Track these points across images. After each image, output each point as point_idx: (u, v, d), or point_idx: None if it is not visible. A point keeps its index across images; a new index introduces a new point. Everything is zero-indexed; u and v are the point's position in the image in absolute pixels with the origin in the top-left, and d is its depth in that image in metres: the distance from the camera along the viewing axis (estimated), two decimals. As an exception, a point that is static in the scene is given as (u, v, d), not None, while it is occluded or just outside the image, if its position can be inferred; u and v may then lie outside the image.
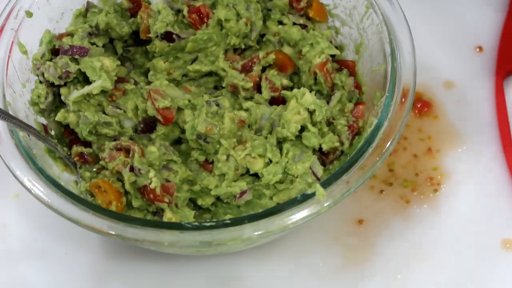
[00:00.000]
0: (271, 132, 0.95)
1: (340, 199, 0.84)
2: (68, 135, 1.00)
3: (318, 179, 0.92)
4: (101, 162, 0.94)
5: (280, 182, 0.92)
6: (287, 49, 1.03)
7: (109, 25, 0.99)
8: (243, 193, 0.93)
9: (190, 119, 0.94)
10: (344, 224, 1.04)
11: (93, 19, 0.99)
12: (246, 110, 0.97)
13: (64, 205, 0.85)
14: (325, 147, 0.93)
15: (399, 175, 1.08)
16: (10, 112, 0.93)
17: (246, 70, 1.01)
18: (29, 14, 0.98)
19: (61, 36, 0.99)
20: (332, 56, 1.01)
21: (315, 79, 0.99)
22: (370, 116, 0.93)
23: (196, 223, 0.83)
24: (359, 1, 1.00)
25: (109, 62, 0.94)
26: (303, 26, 1.03)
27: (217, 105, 0.95)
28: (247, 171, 0.94)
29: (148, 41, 1.00)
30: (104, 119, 0.93)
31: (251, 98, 1.01)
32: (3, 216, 1.07)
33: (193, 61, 1.00)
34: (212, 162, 0.96)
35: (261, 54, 1.02)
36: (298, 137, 0.94)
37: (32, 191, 0.86)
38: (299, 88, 0.96)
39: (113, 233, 0.83)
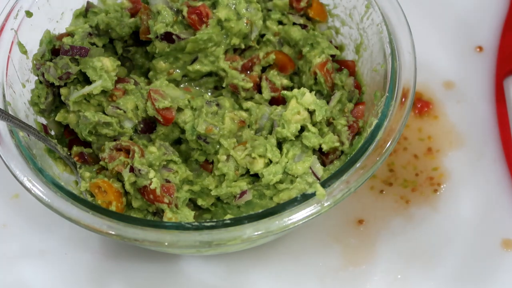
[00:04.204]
0: (271, 132, 0.95)
1: (340, 199, 0.84)
2: (68, 135, 1.00)
3: (318, 179, 0.92)
4: (101, 163, 0.94)
5: (280, 182, 0.92)
6: (287, 49, 1.03)
7: (109, 25, 0.99)
8: (243, 193, 0.93)
9: (190, 119, 0.94)
10: (344, 224, 1.04)
11: (93, 19, 0.99)
12: (246, 110, 0.97)
13: (64, 205, 0.85)
14: (325, 147, 0.93)
15: (399, 175, 1.08)
16: (10, 112, 0.93)
17: (246, 70, 1.01)
18: (29, 14, 0.98)
19: (61, 36, 0.99)
20: (332, 56, 1.01)
21: (315, 79, 0.99)
22: (370, 116, 0.93)
23: (196, 223, 0.83)
24: (359, 1, 1.00)
25: (109, 62, 0.94)
26: (303, 26, 1.03)
27: (217, 105, 0.95)
28: (247, 171, 0.94)
29: (148, 41, 1.00)
30: (104, 119, 0.93)
31: (251, 98, 1.01)
32: (3, 216, 1.07)
33: (193, 61, 1.00)
34: (212, 162, 0.96)
35: (261, 54, 1.02)
36: (298, 137, 0.94)
37: (32, 191, 0.86)
38: (299, 88, 0.96)
39: (113, 233, 0.83)
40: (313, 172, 0.92)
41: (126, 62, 1.04)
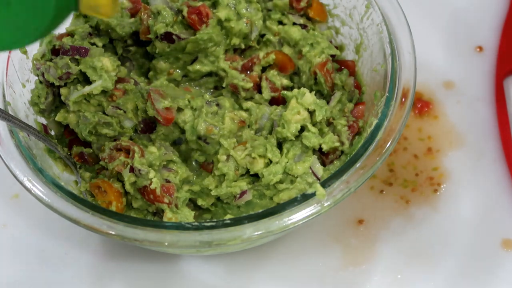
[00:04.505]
0: (271, 132, 0.95)
1: (340, 199, 0.84)
2: (68, 135, 1.00)
3: (318, 179, 0.92)
4: (101, 163, 0.94)
5: (280, 182, 0.92)
6: (287, 49, 1.03)
7: (109, 25, 0.98)
8: (243, 193, 0.93)
9: (190, 119, 0.94)
10: (344, 224, 1.04)
11: (93, 19, 0.99)
12: (246, 110, 0.97)
13: (64, 205, 0.85)
14: (325, 147, 0.93)
15: (399, 175, 1.08)
16: (10, 112, 0.93)
17: (246, 70, 1.01)
18: (29, 14, 0.98)
19: (61, 36, 0.99)
20: (332, 56, 1.01)
21: (315, 79, 0.99)
22: (370, 116, 0.93)
23: (196, 223, 0.83)
24: (359, 1, 1.00)
25: (109, 62, 0.94)
26: (303, 26, 1.03)
27: (217, 105, 0.94)
28: (247, 171, 0.94)
29: (148, 41, 1.00)
30: (104, 119, 0.93)
31: (251, 98, 1.01)
32: (3, 216, 1.07)
33: (193, 61, 1.00)
34: (212, 163, 0.96)
35: (261, 54, 1.02)
36: (298, 137, 0.94)
37: (32, 191, 0.86)
38: (299, 88, 0.96)
39: (113, 233, 0.83)
40: (313, 172, 0.92)
41: (126, 62, 1.04)
